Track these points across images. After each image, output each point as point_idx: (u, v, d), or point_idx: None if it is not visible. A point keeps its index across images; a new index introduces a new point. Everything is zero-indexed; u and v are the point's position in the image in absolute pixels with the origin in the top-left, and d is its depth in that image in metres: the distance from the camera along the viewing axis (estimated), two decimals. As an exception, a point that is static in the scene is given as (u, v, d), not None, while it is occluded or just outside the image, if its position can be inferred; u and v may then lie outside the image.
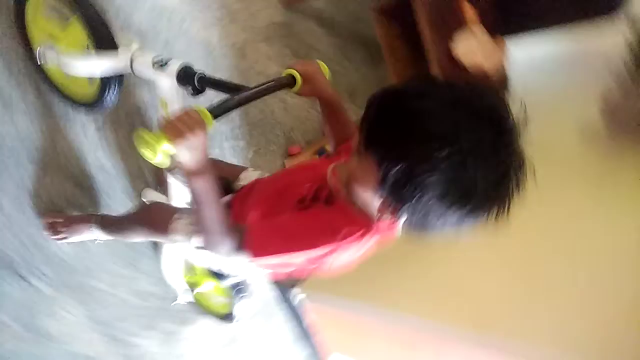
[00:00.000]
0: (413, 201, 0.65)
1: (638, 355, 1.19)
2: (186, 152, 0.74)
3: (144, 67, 1.07)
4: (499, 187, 0.64)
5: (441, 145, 0.61)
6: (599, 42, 2.04)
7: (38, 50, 1.17)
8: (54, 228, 1.33)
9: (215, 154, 1.71)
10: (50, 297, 1.34)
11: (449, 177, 0.62)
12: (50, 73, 1.26)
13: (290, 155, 1.99)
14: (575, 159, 1.92)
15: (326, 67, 0.98)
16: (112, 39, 1.11)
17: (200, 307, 1.65)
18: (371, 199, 0.75)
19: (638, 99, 1.70)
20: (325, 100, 0.99)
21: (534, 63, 2.24)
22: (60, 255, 1.36)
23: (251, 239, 0.82)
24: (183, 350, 1.68)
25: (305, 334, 2.05)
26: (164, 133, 0.72)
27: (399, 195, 0.67)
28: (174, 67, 1.01)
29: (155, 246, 1.50)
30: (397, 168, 0.65)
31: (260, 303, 1.94)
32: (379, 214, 0.76)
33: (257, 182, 1.11)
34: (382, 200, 0.72)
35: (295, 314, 1.99)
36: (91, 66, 1.10)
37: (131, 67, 1.09)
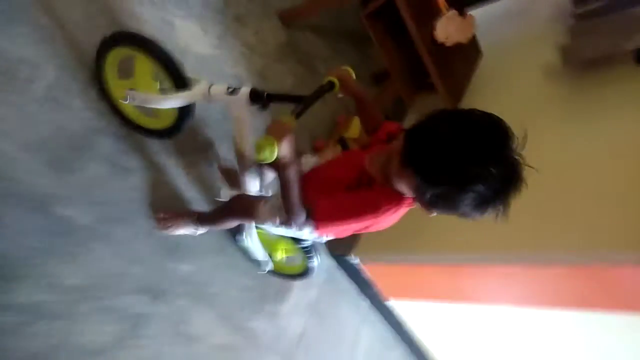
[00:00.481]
0: (446, 208, 0.93)
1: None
2: (286, 148, 1.03)
3: (220, 95, 1.29)
4: (506, 203, 0.90)
5: (473, 183, 0.85)
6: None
7: (126, 93, 1.39)
8: (163, 223, 1.62)
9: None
10: (186, 307, 1.72)
11: (476, 199, 0.87)
12: (130, 115, 1.52)
13: (317, 149, 2.36)
14: (540, 92, 2.36)
15: (352, 70, 1.29)
16: (185, 79, 1.33)
17: (280, 272, 1.97)
18: (405, 190, 1.00)
19: (584, 39, 2.13)
20: (357, 98, 1.29)
21: (495, 22, 2.64)
22: (183, 274, 1.73)
23: (317, 213, 1.11)
24: (285, 322, 2.10)
25: (365, 287, 2.50)
26: (272, 137, 1.00)
27: (432, 203, 0.94)
28: (246, 90, 1.26)
29: (234, 235, 1.81)
30: (435, 190, 0.90)
31: (324, 272, 2.36)
32: (411, 199, 1.03)
33: (315, 169, 1.35)
34: (416, 199, 0.99)
35: (354, 274, 2.43)
36: (174, 101, 1.34)
37: (208, 95, 1.31)
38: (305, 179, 1.24)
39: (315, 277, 2.28)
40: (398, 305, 2.54)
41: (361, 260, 2.29)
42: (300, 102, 1.17)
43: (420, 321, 2.66)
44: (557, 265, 1.78)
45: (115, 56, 1.41)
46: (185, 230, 1.67)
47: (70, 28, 1.47)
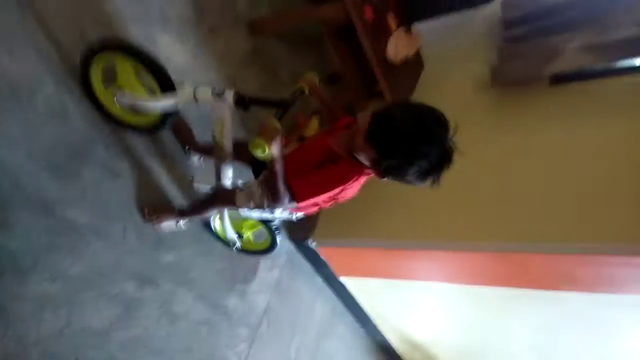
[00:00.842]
0: (395, 176, 1.21)
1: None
2: (275, 147, 1.23)
3: (205, 97, 1.46)
4: (443, 170, 1.17)
5: (419, 158, 1.13)
6: (480, 19, 2.83)
7: (115, 97, 1.56)
8: (149, 218, 1.85)
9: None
10: (170, 291, 1.99)
11: (419, 170, 1.15)
12: (119, 115, 1.68)
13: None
14: (470, 102, 2.75)
15: (317, 75, 1.58)
16: (172, 83, 1.49)
17: (248, 250, 2.20)
18: (366, 161, 1.26)
19: (510, 63, 2.51)
20: (322, 100, 1.59)
21: (435, 36, 2.96)
22: (167, 263, 1.98)
23: (296, 194, 1.32)
24: (252, 298, 2.41)
25: (320, 267, 2.85)
26: (264, 137, 1.21)
27: (386, 172, 1.21)
28: (230, 93, 1.44)
29: (206, 224, 2.09)
30: (389, 162, 1.18)
31: (285, 254, 2.68)
32: (370, 169, 1.29)
33: (286, 155, 1.45)
34: (374, 168, 1.25)
35: (311, 256, 2.77)
36: (164, 104, 1.51)
37: (194, 97, 1.48)
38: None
39: (277, 259, 2.61)
40: (348, 282, 2.92)
41: (317, 244, 2.63)
42: (278, 106, 1.41)
43: (366, 294, 3.07)
44: (473, 252, 2.20)
45: (100, 62, 1.56)
46: (168, 224, 1.91)
47: (62, 45, 1.64)
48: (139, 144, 1.87)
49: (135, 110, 1.58)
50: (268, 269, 2.53)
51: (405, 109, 1.19)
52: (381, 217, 2.49)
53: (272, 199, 1.37)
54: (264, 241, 2.15)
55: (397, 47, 2.50)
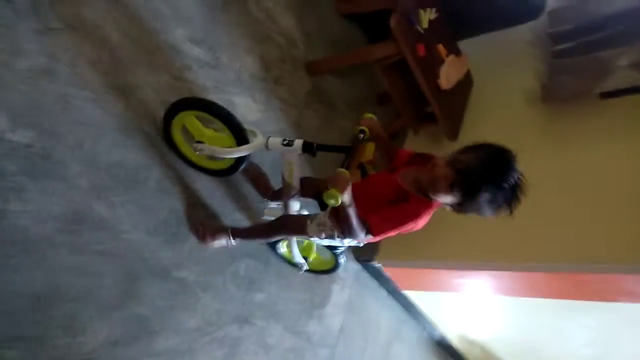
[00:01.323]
0: (474, 212, 1.35)
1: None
2: (347, 196, 1.34)
3: (276, 146, 1.64)
4: (517, 203, 1.32)
5: (497, 197, 1.28)
6: (528, 31, 2.89)
7: (193, 145, 1.74)
8: (201, 235, 1.90)
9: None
10: (263, 326, 2.23)
11: (497, 206, 1.31)
12: (197, 162, 1.89)
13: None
14: (522, 116, 2.84)
15: (374, 116, 1.65)
16: (247, 137, 1.67)
17: (315, 270, 2.36)
18: (445, 201, 1.39)
19: (559, 80, 2.59)
20: (382, 140, 1.68)
21: (485, 51, 3.05)
22: (258, 302, 2.22)
23: (374, 229, 1.46)
24: (328, 321, 2.64)
25: (384, 283, 3.06)
26: (337, 188, 1.30)
27: (465, 211, 1.36)
28: (299, 142, 1.60)
29: (273, 247, 2.22)
30: (471, 203, 1.32)
31: (352, 275, 2.89)
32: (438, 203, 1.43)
33: (355, 186, 1.52)
34: (455, 209, 1.39)
35: (376, 274, 2.97)
36: (239, 153, 1.69)
37: (266, 146, 1.65)
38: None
39: (346, 281, 2.82)
40: (410, 294, 3.12)
41: (382, 265, 2.82)
42: (342, 151, 1.53)
43: (427, 302, 3.26)
44: (526, 272, 2.35)
45: (181, 119, 1.74)
46: (220, 242, 1.95)
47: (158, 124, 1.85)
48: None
49: (213, 158, 1.79)
50: (339, 292, 2.75)
51: (480, 156, 1.31)
52: (439, 239, 2.63)
53: (349, 235, 1.50)
54: (329, 262, 2.31)
55: (449, 75, 2.62)
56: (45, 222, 1.48)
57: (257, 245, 2.20)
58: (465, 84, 2.87)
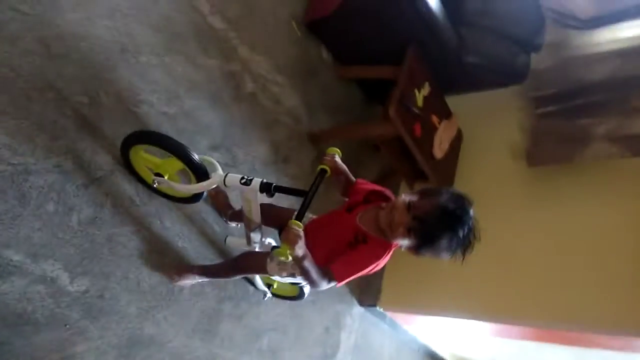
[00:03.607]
0: (428, 256, 1.39)
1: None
2: (299, 249, 1.32)
3: (234, 183, 1.62)
4: (470, 246, 1.38)
5: (454, 242, 1.34)
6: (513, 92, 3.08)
7: (153, 178, 1.69)
8: (172, 278, 1.93)
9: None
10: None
11: (452, 249, 1.35)
12: (159, 189, 1.85)
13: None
14: (509, 172, 3.08)
15: (338, 150, 1.62)
16: (207, 174, 1.66)
17: (280, 295, 2.37)
18: (402, 244, 1.41)
19: (543, 147, 2.81)
20: (344, 175, 1.63)
21: (472, 109, 3.25)
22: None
23: (336, 275, 1.44)
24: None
25: (386, 320, 3.37)
26: (288, 244, 1.30)
27: (422, 254, 1.39)
28: (257, 182, 1.58)
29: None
30: (428, 249, 1.37)
31: (358, 318, 3.18)
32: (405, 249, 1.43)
33: (309, 225, 1.63)
34: (412, 251, 1.41)
35: (379, 316, 3.27)
36: (197, 189, 1.70)
37: (224, 183, 1.63)
38: (307, 232, 1.44)
39: (352, 326, 3.11)
40: (410, 328, 3.44)
41: (384, 309, 3.12)
42: (299, 194, 1.54)
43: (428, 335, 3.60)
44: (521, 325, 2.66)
45: (138, 151, 1.71)
46: (189, 282, 1.99)
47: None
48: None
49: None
50: (347, 338, 3.04)
51: (437, 204, 1.36)
52: (438, 289, 2.93)
53: (311, 286, 1.49)
54: (292, 289, 2.29)
55: (442, 142, 2.83)
56: (106, 354, 1.71)
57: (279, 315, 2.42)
58: (455, 140, 3.08)
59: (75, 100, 1.71)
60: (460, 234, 1.34)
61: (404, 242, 1.40)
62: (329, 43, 3.01)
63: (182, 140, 2.04)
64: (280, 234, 1.81)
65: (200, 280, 2.01)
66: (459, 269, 2.81)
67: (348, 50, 3.02)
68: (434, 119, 2.79)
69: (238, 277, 2.04)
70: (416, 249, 1.39)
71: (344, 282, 1.48)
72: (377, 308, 3.10)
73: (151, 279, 1.89)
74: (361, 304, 3.16)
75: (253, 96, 2.49)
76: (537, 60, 2.95)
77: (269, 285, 2.29)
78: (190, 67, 2.17)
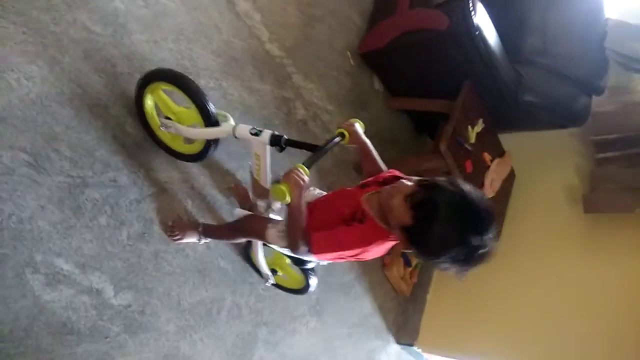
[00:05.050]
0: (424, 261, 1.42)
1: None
2: (296, 195, 1.23)
3: (244, 134, 1.52)
4: (478, 263, 1.10)
5: (454, 250, 1.08)
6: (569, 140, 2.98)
7: (161, 121, 1.64)
8: (171, 231, 1.80)
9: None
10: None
11: (450, 263, 1.10)
12: (163, 138, 1.75)
13: (386, 264, 2.97)
14: (560, 216, 2.94)
15: (362, 122, 1.52)
16: (215, 118, 1.55)
17: (281, 286, 2.18)
18: (396, 235, 1.20)
19: (602, 194, 2.67)
20: (363, 147, 1.49)
21: (527, 149, 3.14)
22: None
23: (314, 244, 1.29)
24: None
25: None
26: (288, 185, 1.21)
27: (418, 256, 1.31)
28: (267, 133, 1.48)
29: (246, 249, 2.03)
30: (425, 241, 1.12)
31: (394, 356, 3.07)
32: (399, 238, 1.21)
33: (318, 200, 1.52)
34: (405, 248, 1.19)
35: (416, 356, 3.15)
36: (206, 135, 1.61)
37: (234, 133, 1.54)
38: (310, 209, 1.38)
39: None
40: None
41: (422, 350, 3.00)
42: (312, 150, 1.42)
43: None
44: None
45: (153, 92, 1.63)
46: (190, 239, 1.86)
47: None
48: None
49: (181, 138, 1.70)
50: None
51: (452, 194, 1.11)
52: (481, 333, 2.80)
53: (289, 247, 1.38)
54: (299, 281, 2.09)
55: (493, 181, 2.74)
56: (141, 371, 1.71)
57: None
58: (507, 180, 2.98)
59: (136, 118, 1.76)
60: (474, 242, 1.07)
61: (397, 221, 1.18)
62: (382, 74, 3.01)
63: (234, 165, 2.10)
64: None
65: (201, 242, 1.88)
66: (504, 312, 2.77)
67: (401, 82, 3.01)
68: (486, 156, 2.71)
69: (239, 240, 1.84)
70: (410, 239, 1.16)
71: (321, 257, 1.37)
72: (415, 347, 2.99)
73: (192, 297, 1.89)
74: (398, 341, 3.05)
75: (303, 123, 2.51)
76: (599, 103, 2.84)
77: (273, 271, 2.07)
78: (245, 91, 2.22)
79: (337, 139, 1.46)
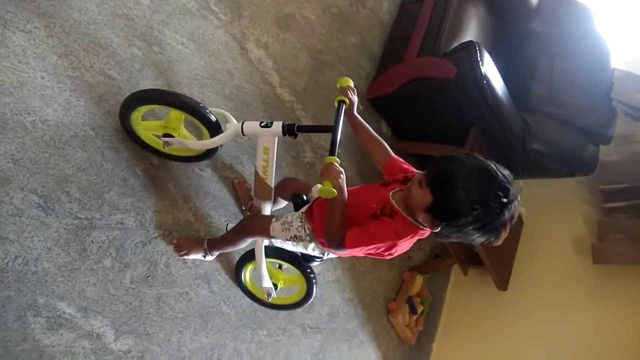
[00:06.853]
0: (452, 239, 1.26)
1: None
2: (341, 185, 1.26)
3: (253, 129, 1.52)
4: (501, 233, 1.18)
5: (474, 213, 1.13)
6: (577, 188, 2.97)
7: (162, 140, 1.59)
8: (177, 248, 1.80)
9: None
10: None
11: (478, 235, 1.17)
12: (171, 153, 1.70)
13: (391, 310, 2.92)
14: (569, 264, 2.89)
15: (350, 80, 1.53)
16: (220, 128, 1.56)
17: (277, 304, 2.08)
18: (423, 221, 1.26)
19: (610, 245, 2.64)
20: (356, 123, 1.56)
21: (535, 196, 3.12)
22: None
23: (347, 239, 1.31)
24: None
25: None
26: (329, 179, 1.24)
27: (445, 238, 1.27)
28: (278, 124, 1.49)
29: (238, 267, 1.95)
30: (452, 232, 1.20)
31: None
32: (427, 228, 1.29)
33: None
34: (433, 229, 1.25)
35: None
36: (214, 144, 1.59)
37: (242, 132, 1.54)
38: (323, 201, 1.41)
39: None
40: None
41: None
42: (326, 131, 1.43)
43: None
44: None
45: (141, 111, 1.59)
46: (196, 255, 1.85)
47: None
48: None
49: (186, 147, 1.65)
50: None
51: (461, 160, 1.23)
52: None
53: (327, 240, 1.38)
54: (298, 292, 2.02)
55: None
56: (137, 420, 1.66)
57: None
58: (515, 227, 2.94)
59: (146, 160, 1.78)
60: (495, 202, 1.13)
61: (426, 224, 1.26)
62: (389, 118, 3.04)
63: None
64: (295, 205, 1.68)
65: (207, 258, 1.87)
66: (516, 350, 2.68)
67: (408, 127, 3.03)
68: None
69: (244, 242, 1.77)
70: (438, 234, 1.25)
71: (353, 252, 1.36)
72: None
73: (192, 344, 1.86)
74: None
75: (311, 166, 2.52)
76: (607, 153, 2.84)
77: (275, 286, 1.94)
78: (255, 134, 2.24)
79: (342, 109, 1.47)
